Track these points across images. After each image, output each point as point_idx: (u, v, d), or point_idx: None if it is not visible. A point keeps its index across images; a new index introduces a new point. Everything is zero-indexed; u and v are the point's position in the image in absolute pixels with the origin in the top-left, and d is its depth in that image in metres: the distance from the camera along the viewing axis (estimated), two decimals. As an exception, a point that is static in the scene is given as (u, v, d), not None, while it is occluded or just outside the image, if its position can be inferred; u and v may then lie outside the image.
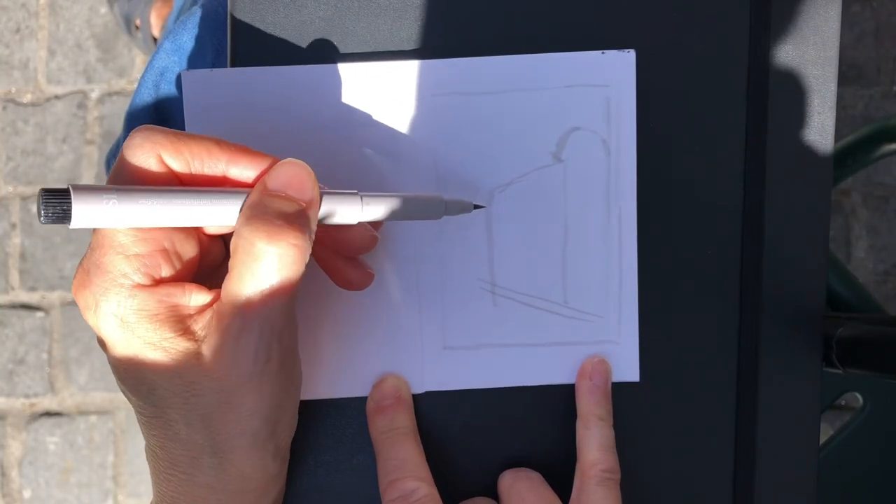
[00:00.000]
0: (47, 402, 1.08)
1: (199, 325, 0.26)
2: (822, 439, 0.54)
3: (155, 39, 1.02)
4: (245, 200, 0.26)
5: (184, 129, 0.33)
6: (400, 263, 0.34)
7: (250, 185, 0.27)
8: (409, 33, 0.34)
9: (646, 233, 0.34)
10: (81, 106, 1.08)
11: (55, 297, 1.08)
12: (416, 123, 0.33)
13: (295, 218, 0.26)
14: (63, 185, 0.24)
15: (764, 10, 0.34)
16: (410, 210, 0.30)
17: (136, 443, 1.07)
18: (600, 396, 0.34)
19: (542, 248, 0.34)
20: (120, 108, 1.08)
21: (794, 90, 0.35)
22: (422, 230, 0.34)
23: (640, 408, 0.35)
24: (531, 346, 0.34)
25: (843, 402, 0.90)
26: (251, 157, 0.27)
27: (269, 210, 0.26)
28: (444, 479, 0.33)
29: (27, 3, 1.09)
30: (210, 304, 0.27)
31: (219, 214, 0.26)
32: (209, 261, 0.29)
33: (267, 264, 0.25)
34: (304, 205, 0.26)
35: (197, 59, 0.43)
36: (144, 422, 0.28)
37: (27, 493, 1.08)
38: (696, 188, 0.35)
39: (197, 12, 0.43)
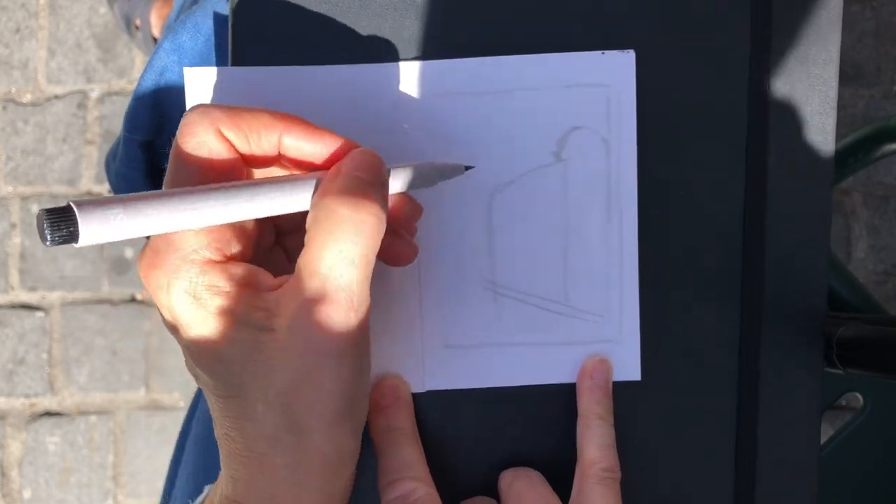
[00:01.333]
0: (47, 402, 1.08)
1: (272, 302, 0.26)
2: (823, 439, 0.54)
3: (155, 39, 1.02)
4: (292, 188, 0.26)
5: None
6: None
7: (310, 163, 0.27)
8: (410, 34, 0.34)
9: (647, 232, 0.34)
10: (81, 106, 1.08)
11: (55, 297, 1.08)
12: (417, 123, 0.33)
13: (373, 189, 0.26)
14: (63, 204, 0.22)
15: (765, 8, 0.34)
16: (405, 179, 0.30)
17: (136, 443, 1.07)
18: (601, 395, 0.34)
19: (542, 247, 0.34)
20: (120, 108, 1.08)
21: (795, 90, 0.35)
22: (422, 230, 0.34)
23: (642, 407, 0.35)
24: (532, 345, 0.34)
25: (843, 402, 0.90)
26: (308, 131, 0.27)
27: (348, 182, 0.25)
28: (444, 479, 0.33)
29: (27, 3, 1.09)
30: (279, 284, 0.26)
31: (272, 207, 0.26)
32: (262, 244, 0.29)
33: (349, 232, 0.25)
34: (381, 181, 0.26)
35: (197, 59, 0.43)
36: (220, 404, 0.27)
37: (27, 494, 1.08)
38: (697, 187, 0.35)
39: (197, 12, 0.43)
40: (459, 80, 0.33)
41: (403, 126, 0.33)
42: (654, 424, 0.35)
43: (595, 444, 0.33)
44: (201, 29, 0.43)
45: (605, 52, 0.34)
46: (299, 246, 0.26)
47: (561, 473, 0.34)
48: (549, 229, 0.34)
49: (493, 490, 0.35)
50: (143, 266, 0.26)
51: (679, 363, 0.35)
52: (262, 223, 0.29)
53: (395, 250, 0.31)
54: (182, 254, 0.25)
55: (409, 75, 0.33)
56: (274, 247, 0.30)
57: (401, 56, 0.34)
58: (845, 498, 0.60)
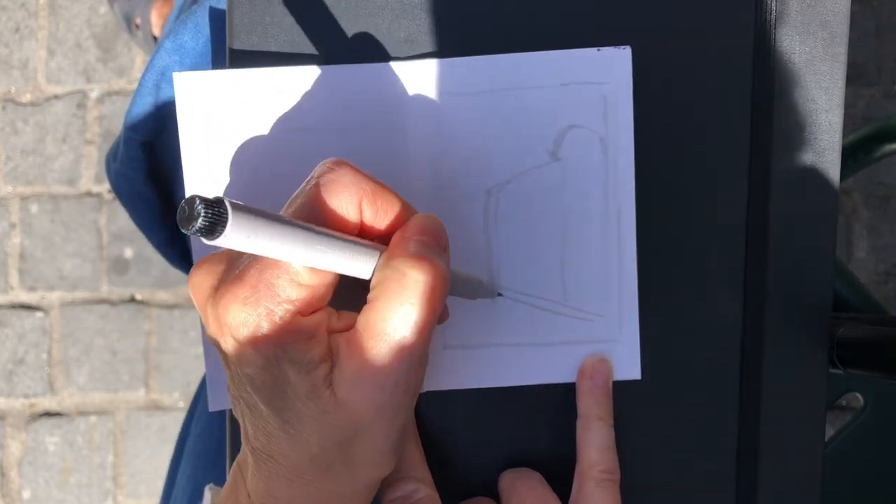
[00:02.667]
0: (47, 403, 1.08)
1: (340, 348, 0.26)
2: (823, 439, 0.54)
3: (155, 38, 1.02)
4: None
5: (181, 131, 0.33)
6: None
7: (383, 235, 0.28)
8: (406, 34, 0.34)
9: (646, 230, 0.34)
10: (81, 106, 1.08)
11: (55, 297, 1.08)
12: (414, 123, 0.33)
13: (437, 252, 0.27)
14: (217, 196, 0.22)
15: (769, 3, 0.34)
16: (460, 289, 0.31)
17: (136, 443, 1.07)
18: (601, 396, 0.34)
19: (540, 246, 0.34)
20: (120, 108, 1.08)
21: (800, 87, 0.35)
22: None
23: (642, 406, 0.35)
24: (531, 345, 0.34)
25: (843, 403, 0.90)
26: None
27: (416, 246, 0.26)
28: (444, 479, 0.33)
29: (27, 2, 1.09)
30: (346, 327, 0.27)
31: (354, 266, 0.26)
32: None
33: (416, 295, 0.25)
34: (439, 243, 0.27)
35: (198, 59, 0.43)
36: (269, 431, 0.27)
37: (27, 494, 1.08)
38: (699, 185, 0.35)
39: (197, 11, 0.43)
40: (455, 80, 0.33)
41: (400, 126, 0.33)
42: (655, 424, 0.35)
43: (595, 445, 0.33)
44: (202, 29, 0.43)
45: (601, 48, 0.33)
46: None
47: (560, 473, 0.34)
48: (547, 229, 0.34)
49: (493, 490, 0.35)
50: (230, 299, 0.25)
51: (680, 362, 0.35)
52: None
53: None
54: (279, 301, 0.25)
55: (405, 75, 0.33)
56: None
57: (396, 56, 0.34)
58: (846, 498, 0.60)
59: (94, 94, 1.09)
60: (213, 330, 0.27)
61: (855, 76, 1.04)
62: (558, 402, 0.35)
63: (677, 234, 0.35)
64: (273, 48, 0.34)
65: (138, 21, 1.02)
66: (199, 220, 0.21)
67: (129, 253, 1.08)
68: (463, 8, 0.34)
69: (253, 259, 0.26)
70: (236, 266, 0.26)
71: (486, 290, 0.33)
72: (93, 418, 1.07)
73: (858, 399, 0.60)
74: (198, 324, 1.00)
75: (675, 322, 0.35)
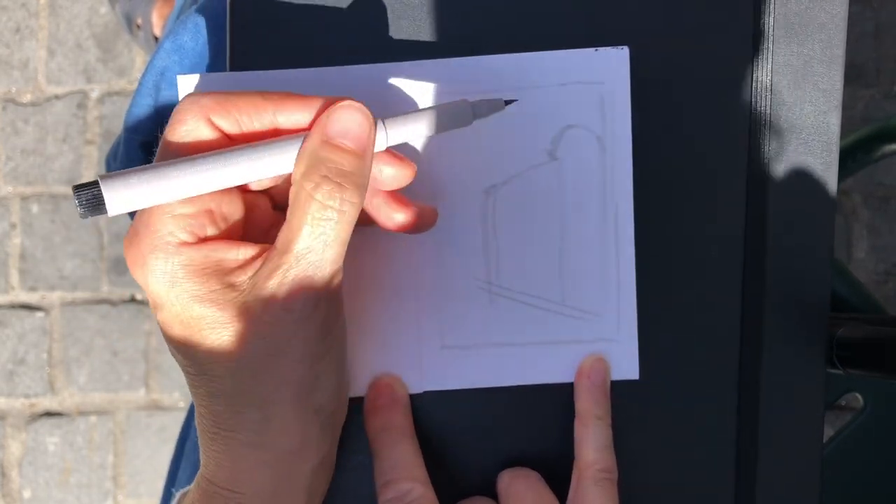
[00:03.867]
0: (47, 403, 1.08)
1: (246, 277, 0.27)
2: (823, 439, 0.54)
3: (156, 38, 1.02)
4: (299, 146, 0.27)
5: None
6: (396, 264, 0.34)
7: (305, 130, 0.28)
8: (405, 35, 0.34)
9: (645, 230, 0.34)
10: (81, 106, 1.08)
11: (55, 297, 1.08)
12: None
13: (354, 176, 0.27)
14: (92, 179, 0.25)
15: (768, 5, 0.34)
16: (437, 122, 0.30)
17: (136, 443, 1.07)
18: (599, 395, 0.34)
19: (538, 246, 0.34)
20: (120, 108, 1.08)
21: (799, 88, 0.35)
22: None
23: (641, 406, 0.35)
24: (529, 345, 0.34)
25: (843, 403, 0.90)
26: (299, 101, 0.28)
27: (328, 165, 0.26)
28: (442, 479, 0.33)
29: (27, 3, 1.09)
30: (256, 257, 0.27)
31: (256, 170, 0.27)
32: (257, 218, 0.30)
33: (327, 218, 0.26)
34: (362, 154, 0.27)
35: (197, 60, 0.43)
36: (191, 381, 0.28)
37: (27, 494, 1.08)
38: (697, 185, 0.35)
39: (197, 12, 0.43)
40: (453, 80, 0.33)
41: None
42: (654, 424, 0.35)
43: (592, 444, 0.33)
44: (202, 29, 0.43)
45: (599, 48, 0.33)
46: None
47: (559, 473, 0.34)
48: (545, 228, 0.34)
49: (491, 490, 0.35)
50: (125, 243, 0.28)
51: (678, 362, 0.35)
52: (259, 203, 0.30)
53: (396, 217, 0.31)
54: (158, 235, 0.27)
55: (404, 76, 0.33)
56: (277, 222, 0.31)
57: (395, 57, 0.34)
58: (845, 497, 0.60)
59: (94, 95, 1.09)
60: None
61: (854, 77, 1.04)
62: (556, 401, 0.35)
63: (676, 234, 0.35)
64: (273, 50, 0.34)
65: (139, 21, 1.02)
66: (78, 204, 0.25)
67: (129, 253, 1.08)
68: (462, 9, 0.34)
69: (136, 213, 0.27)
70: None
71: (488, 106, 0.31)
72: (93, 418, 1.07)
73: (858, 399, 0.60)
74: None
75: (674, 322, 0.35)
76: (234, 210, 0.28)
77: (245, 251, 0.27)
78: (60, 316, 1.08)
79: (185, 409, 1.05)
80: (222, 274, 0.27)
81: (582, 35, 0.34)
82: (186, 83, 0.33)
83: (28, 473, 1.08)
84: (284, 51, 0.34)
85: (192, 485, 0.30)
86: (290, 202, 0.27)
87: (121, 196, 0.25)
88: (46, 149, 1.08)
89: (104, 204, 0.25)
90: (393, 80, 0.33)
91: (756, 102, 0.35)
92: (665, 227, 0.35)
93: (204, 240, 0.27)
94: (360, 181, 0.27)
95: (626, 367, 0.35)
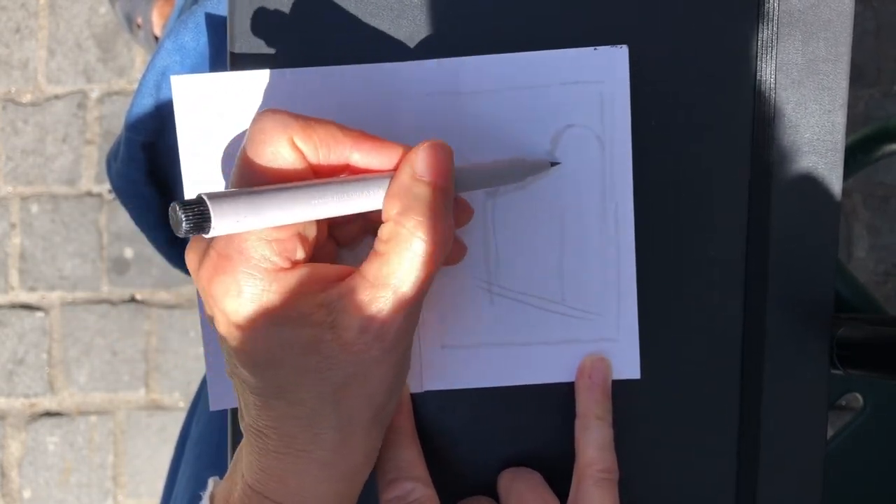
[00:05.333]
0: (47, 402, 1.08)
1: (331, 300, 0.27)
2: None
3: (156, 38, 1.02)
4: (388, 187, 0.28)
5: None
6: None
7: (376, 172, 0.28)
8: (404, 35, 0.34)
9: (646, 229, 0.34)
10: (81, 106, 1.08)
11: (55, 297, 1.08)
12: (411, 124, 0.33)
13: (446, 209, 0.27)
14: (194, 197, 0.24)
15: (771, 3, 0.34)
16: (493, 177, 0.31)
17: (136, 443, 1.07)
18: (599, 395, 0.34)
19: (538, 246, 0.34)
20: (120, 108, 1.08)
21: (803, 87, 0.34)
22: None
23: (642, 406, 0.35)
24: (530, 344, 0.34)
25: (843, 403, 0.90)
26: (374, 144, 0.28)
27: (424, 201, 0.27)
28: (443, 479, 0.33)
29: (27, 2, 1.09)
30: (340, 279, 0.27)
31: (356, 204, 0.27)
32: (317, 239, 0.30)
33: (422, 254, 0.27)
34: (450, 191, 0.28)
35: (198, 59, 0.43)
36: (260, 403, 0.28)
37: (27, 494, 1.08)
38: (698, 184, 0.35)
39: (197, 11, 0.43)
40: (452, 80, 0.33)
41: (398, 127, 0.33)
42: (655, 424, 0.35)
43: (593, 444, 0.33)
44: (203, 29, 0.43)
45: (598, 48, 0.33)
46: (348, 236, 0.29)
47: (559, 473, 0.34)
48: (545, 228, 0.34)
49: (492, 490, 0.35)
50: (209, 271, 0.27)
51: (680, 361, 0.35)
52: (320, 223, 0.30)
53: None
54: (254, 262, 0.26)
55: (403, 76, 0.33)
56: (327, 239, 0.31)
57: (394, 57, 0.34)
58: (846, 497, 0.60)
59: (94, 94, 1.09)
60: (207, 307, 0.28)
61: (854, 76, 1.04)
62: (557, 401, 0.35)
63: (677, 233, 0.35)
64: (273, 50, 0.34)
65: (139, 21, 1.02)
66: (184, 223, 0.23)
67: (129, 253, 1.08)
68: (461, 9, 0.34)
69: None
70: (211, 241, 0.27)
71: (538, 165, 0.32)
72: (93, 418, 1.07)
73: (858, 399, 0.60)
74: (198, 324, 1.00)
75: (675, 321, 0.35)
76: (312, 231, 0.28)
77: (333, 272, 0.28)
78: (60, 316, 1.08)
79: (185, 408, 1.05)
80: (312, 296, 0.27)
81: (581, 34, 0.34)
82: (181, 84, 0.33)
83: (28, 473, 1.08)
84: (284, 50, 0.34)
85: (224, 488, 0.30)
86: (387, 238, 0.27)
87: (227, 218, 0.24)
88: (46, 149, 1.08)
89: (209, 223, 0.24)
90: (392, 80, 0.33)
91: (759, 101, 0.35)
92: (666, 227, 0.35)
93: (296, 263, 0.27)
94: (445, 216, 0.27)
95: (627, 366, 0.35)
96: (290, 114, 0.27)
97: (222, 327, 0.27)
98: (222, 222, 0.24)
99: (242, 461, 0.29)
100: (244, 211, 0.24)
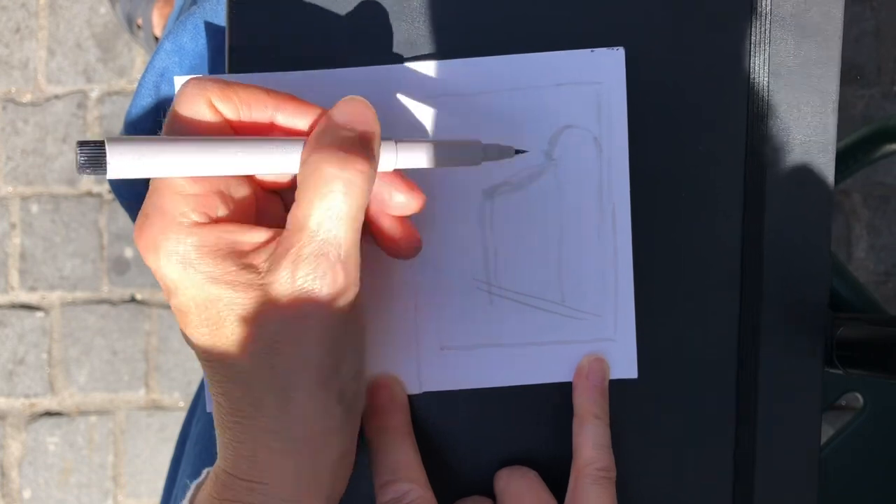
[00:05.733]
0: (47, 402, 1.08)
1: (261, 259, 0.27)
2: (822, 439, 0.54)
3: (157, 38, 1.02)
4: (303, 144, 0.27)
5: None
6: (395, 264, 0.34)
7: (300, 133, 0.28)
8: (402, 37, 0.34)
9: (643, 229, 0.34)
10: (81, 106, 1.08)
11: (55, 297, 1.08)
12: (409, 125, 0.33)
13: (361, 146, 0.27)
14: (99, 139, 0.25)
15: (763, 6, 0.34)
16: (447, 156, 0.30)
17: (137, 443, 1.07)
18: (597, 394, 0.34)
19: (536, 246, 0.34)
20: (120, 108, 1.08)
21: (795, 89, 0.35)
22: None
23: (639, 405, 0.35)
24: (528, 345, 0.34)
25: (843, 402, 0.90)
26: (298, 106, 0.28)
27: (336, 139, 0.27)
28: (440, 479, 0.33)
29: (27, 3, 1.09)
30: (270, 240, 0.27)
31: (265, 163, 0.27)
32: (269, 219, 0.30)
33: (336, 190, 0.26)
34: (370, 133, 0.27)
35: (197, 60, 0.43)
36: (207, 369, 0.28)
37: (27, 494, 1.08)
38: (693, 185, 0.35)
39: (197, 12, 0.43)
40: (450, 82, 0.33)
41: (397, 128, 0.33)
42: (652, 423, 0.35)
43: (590, 443, 0.33)
44: (202, 30, 0.43)
45: (595, 49, 0.34)
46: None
47: (557, 472, 0.34)
48: (543, 229, 0.34)
49: (489, 489, 0.35)
50: (136, 230, 0.27)
51: (677, 361, 0.35)
52: (267, 204, 0.30)
53: (394, 236, 0.31)
54: (170, 217, 0.26)
55: (402, 78, 0.33)
56: (274, 205, 0.31)
57: (394, 59, 0.34)
58: (845, 497, 0.60)
59: (94, 95, 1.09)
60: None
61: (854, 77, 1.04)
62: (555, 401, 0.35)
63: (673, 234, 0.35)
64: (272, 52, 0.34)
65: (140, 21, 1.02)
66: (79, 158, 0.25)
67: (129, 253, 1.08)
68: (459, 10, 0.34)
69: (148, 192, 0.27)
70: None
71: (498, 151, 0.31)
72: (93, 418, 1.07)
73: (858, 399, 0.60)
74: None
75: (672, 321, 0.35)
76: (244, 194, 0.28)
77: (259, 234, 0.27)
78: (60, 316, 1.08)
79: (185, 408, 1.05)
80: (237, 256, 0.27)
81: (578, 36, 0.34)
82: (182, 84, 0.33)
83: (28, 473, 1.08)
84: (283, 52, 0.34)
85: (208, 478, 0.30)
86: (300, 182, 0.27)
87: (124, 159, 0.25)
88: (46, 149, 1.08)
89: (105, 164, 0.25)
90: (390, 82, 0.33)
91: (753, 103, 0.35)
92: (663, 227, 0.35)
93: (216, 221, 0.27)
94: (367, 154, 0.27)
95: (625, 366, 0.35)
96: (211, 79, 0.27)
97: (162, 287, 0.28)
98: (118, 162, 0.25)
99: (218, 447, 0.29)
100: (141, 154, 0.25)
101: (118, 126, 1.07)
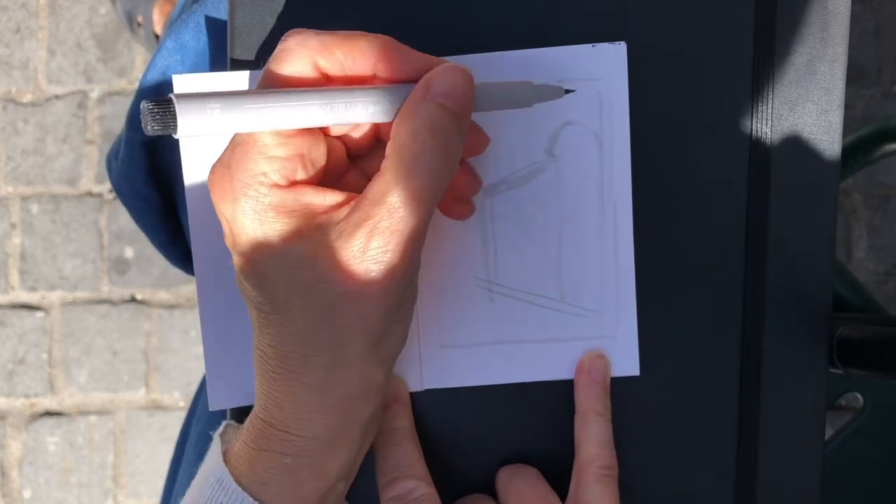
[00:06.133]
0: (47, 402, 1.08)
1: (333, 221, 0.27)
2: (823, 439, 0.54)
3: (157, 37, 1.02)
4: (398, 99, 0.27)
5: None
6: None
7: (402, 81, 0.28)
8: (401, 34, 0.34)
9: (644, 227, 0.34)
10: (81, 106, 1.09)
11: (55, 297, 1.08)
12: None
13: (454, 126, 0.27)
14: (165, 97, 0.25)
15: (770, 2, 0.34)
16: (500, 99, 0.30)
17: (137, 443, 1.07)
18: (599, 392, 0.34)
19: (537, 244, 0.34)
20: (120, 108, 1.08)
21: (800, 88, 0.35)
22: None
23: (641, 402, 0.35)
24: (529, 342, 0.34)
25: (843, 402, 0.90)
26: (401, 54, 0.28)
27: (430, 117, 0.27)
28: (442, 476, 0.33)
29: (27, 3, 1.09)
30: (343, 204, 0.28)
31: (347, 115, 0.27)
32: (332, 164, 0.30)
33: (422, 171, 0.26)
34: (462, 116, 0.27)
35: (199, 59, 0.43)
36: (261, 320, 0.28)
37: (27, 493, 1.08)
38: (697, 182, 0.35)
39: (198, 11, 0.43)
40: None
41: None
42: (654, 420, 0.35)
43: (593, 441, 0.33)
44: (203, 28, 0.43)
45: (596, 44, 0.33)
46: (375, 169, 0.28)
47: (558, 470, 0.34)
48: (544, 226, 0.34)
49: (490, 487, 0.35)
50: (212, 178, 0.28)
51: (679, 358, 0.35)
52: (335, 150, 0.30)
53: (458, 192, 0.32)
54: (251, 174, 0.27)
55: None
56: (349, 171, 0.31)
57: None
58: (845, 497, 0.60)
59: (94, 94, 1.09)
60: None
61: (855, 76, 1.04)
62: (556, 398, 0.35)
63: (675, 232, 0.35)
64: (274, 50, 0.34)
65: (140, 19, 1.02)
66: (150, 121, 0.24)
67: (129, 253, 1.08)
68: (459, 7, 0.34)
69: (229, 145, 0.27)
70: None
71: (550, 91, 0.31)
72: (93, 418, 1.07)
73: (858, 399, 0.60)
74: (198, 324, 1.00)
75: (674, 319, 0.35)
76: (320, 156, 0.28)
77: (332, 197, 0.28)
78: (60, 316, 1.08)
79: (185, 408, 1.05)
80: (310, 217, 0.27)
81: (579, 31, 0.34)
82: (182, 83, 0.33)
83: (28, 473, 1.08)
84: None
85: (243, 427, 0.30)
86: (389, 154, 0.27)
87: (193, 116, 0.25)
88: (46, 149, 1.08)
89: (175, 123, 0.24)
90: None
91: (757, 100, 0.35)
92: (665, 224, 0.35)
93: (294, 183, 0.27)
94: (456, 143, 0.27)
95: (626, 363, 0.35)
96: (315, 33, 0.27)
97: (227, 238, 0.28)
98: (188, 120, 0.24)
99: (256, 394, 0.30)
100: (215, 112, 0.25)
101: (118, 126, 1.07)
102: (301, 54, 0.27)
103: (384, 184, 0.27)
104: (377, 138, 0.30)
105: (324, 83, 0.28)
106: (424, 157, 0.26)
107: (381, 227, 0.26)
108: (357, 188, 0.28)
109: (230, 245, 0.28)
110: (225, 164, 0.27)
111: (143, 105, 0.24)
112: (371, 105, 0.27)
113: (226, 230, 0.28)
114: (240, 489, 0.28)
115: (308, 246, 0.27)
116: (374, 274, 0.27)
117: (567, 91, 0.32)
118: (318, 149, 0.28)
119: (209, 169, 0.28)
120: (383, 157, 0.27)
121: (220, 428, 0.32)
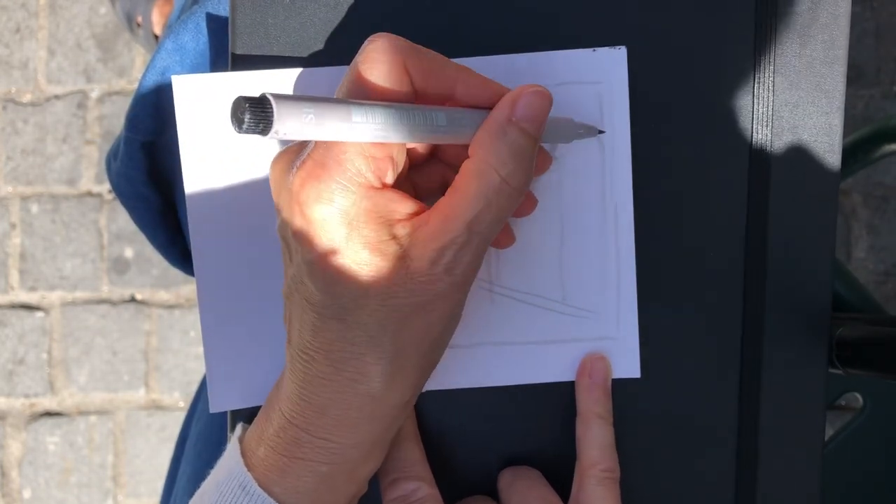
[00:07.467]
0: (47, 402, 1.08)
1: (405, 231, 0.27)
2: (823, 439, 0.54)
3: (156, 37, 1.02)
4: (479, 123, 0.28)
5: (181, 133, 0.33)
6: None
7: (480, 106, 0.28)
8: (404, 35, 0.34)
9: (645, 229, 0.34)
10: (81, 106, 1.08)
11: (55, 297, 1.08)
12: None
13: (530, 155, 0.28)
14: (258, 95, 0.23)
15: (769, 5, 0.34)
16: (552, 134, 0.31)
17: (137, 443, 1.07)
18: (600, 394, 0.34)
19: (539, 245, 0.34)
20: (120, 108, 1.08)
21: (800, 89, 0.35)
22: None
23: (642, 404, 0.35)
24: (530, 344, 0.34)
25: (843, 402, 0.90)
26: (481, 80, 0.28)
27: (511, 143, 0.27)
28: (443, 478, 0.33)
29: (27, 3, 1.09)
30: (416, 213, 0.28)
31: (436, 133, 0.27)
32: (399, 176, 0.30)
33: (499, 199, 0.27)
34: (538, 140, 0.28)
35: (199, 60, 0.43)
36: (317, 323, 0.28)
37: (27, 493, 1.08)
38: (697, 184, 0.35)
39: (198, 11, 0.43)
40: None
41: None
42: (655, 423, 0.35)
43: (595, 444, 0.33)
44: (203, 29, 0.43)
45: (597, 49, 0.33)
46: (426, 180, 0.29)
47: (560, 471, 0.34)
48: (545, 228, 0.34)
49: (492, 489, 0.35)
50: (302, 176, 0.26)
51: (680, 361, 0.35)
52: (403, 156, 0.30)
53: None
54: (349, 174, 0.26)
55: None
56: (404, 181, 0.31)
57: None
58: (846, 498, 0.60)
59: (94, 95, 1.09)
60: (285, 213, 0.27)
61: (854, 77, 1.04)
62: (557, 400, 0.35)
63: (676, 233, 0.35)
64: (275, 50, 0.34)
65: (139, 20, 1.02)
66: (247, 121, 0.22)
67: (129, 253, 1.08)
68: (461, 10, 0.34)
69: (317, 144, 0.27)
70: (306, 149, 0.27)
71: (587, 129, 0.32)
72: (93, 418, 1.07)
73: (858, 399, 0.60)
74: (198, 324, 1.00)
75: (675, 320, 0.35)
76: (402, 161, 0.28)
77: (410, 205, 0.28)
78: (60, 316, 1.08)
79: (184, 408, 1.05)
80: (390, 224, 0.27)
81: (580, 35, 0.34)
82: (182, 84, 0.33)
83: (28, 473, 1.08)
84: (286, 51, 0.34)
85: (266, 437, 0.29)
86: (469, 172, 0.27)
87: (290, 121, 0.23)
88: (46, 149, 1.08)
89: (271, 125, 0.23)
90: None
91: (757, 103, 0.35)
92: (666, 226, 0.35)
93: (384, 186, 0.27)
94: (532, 165, 0.28)
95: (627, 365, 0.35)
96: (403, 39, 0.27)
97: (303, 237, 0.27)
98: (285, 124, 0.23)
99: (281, 395, 0.29)
100: (309, 118, 0.23)
101: (118, 126, 1.07)
102: (392, 55, 0.26)
103: (459, 202, 0.27)
104: (433, 153, 0.31)
105: (411, 90, 0.27)
106: (502, 188, 0.27)
107: (459, 243, 0.27)
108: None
109: (303, 242, 0.27)
110: (318, 161, 0.26)
111: (239, 100, 0.22)
112: (468, 128, 0.27)
113: (300, 227, 0.27)
114: (265, 494, 0.28)
115: (386, 255, 0.27)
116: (444, 287, 0.27)
117: (600, 132, 0.33)
118: (402, 154, 0.28)
119: (270, 165, 0.28)
120: (436, 170, 0.28)
121: (239, 431, 0.31)
